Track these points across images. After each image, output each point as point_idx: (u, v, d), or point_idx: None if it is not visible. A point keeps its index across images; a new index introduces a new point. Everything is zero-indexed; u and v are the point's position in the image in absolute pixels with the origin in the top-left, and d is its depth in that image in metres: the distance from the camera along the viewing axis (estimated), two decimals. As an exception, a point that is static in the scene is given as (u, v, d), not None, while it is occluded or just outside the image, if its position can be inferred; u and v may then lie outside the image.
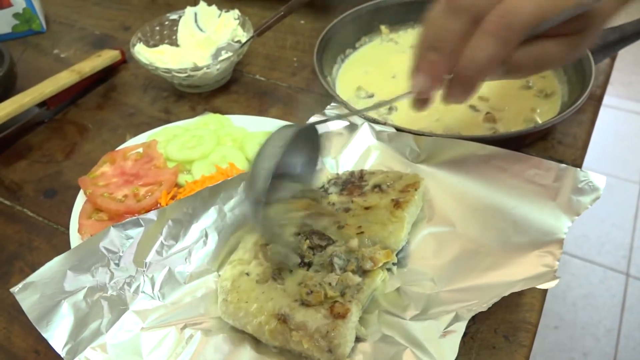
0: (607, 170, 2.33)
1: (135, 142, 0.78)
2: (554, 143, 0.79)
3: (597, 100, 0.86)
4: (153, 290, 0.57)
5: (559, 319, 1.84)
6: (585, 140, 0.80)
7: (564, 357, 1.75)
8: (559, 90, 0.85)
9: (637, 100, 2.68)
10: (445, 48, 0.48)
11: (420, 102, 0.56)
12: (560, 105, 0.82)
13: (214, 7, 0.98)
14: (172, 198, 0.68)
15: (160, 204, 0.67)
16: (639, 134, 2.51)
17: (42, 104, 0.89)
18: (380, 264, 0.58)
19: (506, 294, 0.50)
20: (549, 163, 0.60)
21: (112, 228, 0.56)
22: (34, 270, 0.54)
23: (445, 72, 0.50)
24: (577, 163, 0.76)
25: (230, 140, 0.77)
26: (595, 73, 0.79)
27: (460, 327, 0.49)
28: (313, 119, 0.74)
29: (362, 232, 0.61)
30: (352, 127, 0.74)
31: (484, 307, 0.50)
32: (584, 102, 0.74)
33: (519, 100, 0.83)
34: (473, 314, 0.50)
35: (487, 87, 0.81)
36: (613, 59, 0.97)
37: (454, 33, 0.47)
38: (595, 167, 2.35)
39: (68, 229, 0.68)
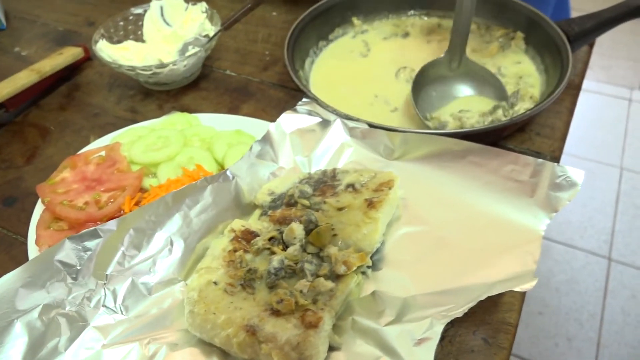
0: (587, 155, 2.34)
1: (98, 145, 0.74)
2: (532, 135, 0.77)
3: (575, 89, 0.84)
4: (115, 303, 0.54)
5: (543, 305, 1.84)
6: (563, 131, 0.78)
7: (549, 342, 1.76)
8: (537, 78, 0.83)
9: (617, 85, 2.69)
10: None
11: None
12: (539, 94, 0.80)
13: (180, 0, 0.94)
14: (137, 204, 0.65)
15: (123, 210, 0.64)
16: (619, 118, 2.52)
17: (1, 106, 0.85)
18: (355, 268, 0.55)
19: (483, 297, 0.48)
20: (526, 158, 0.59)
21: (67, 240, 0.53)
22: (-11, 284, 0.51)
23: None
24: (556, 155, 0.74)
25: (197, 141, 0.74)
26: (573, 61, 0.77)
27: (436, 334, 0.47)
28: (283, 115, 0.71)
29: (335, 234, 0.59)
30: (325, 124, 0.71)
31: (459, 313, 0.48)
32: (562, 91, 0.72)
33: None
34: (449, 319, 0.48)
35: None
36: (591, 46, 0.95)
37: None
38: (576, 152, 2.36)
39: (28, 238, 0.64)
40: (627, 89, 2.66)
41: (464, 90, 0.82)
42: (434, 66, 0.83)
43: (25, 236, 0.66)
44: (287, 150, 0.70)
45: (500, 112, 0.77)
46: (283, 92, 0.89)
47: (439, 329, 0.47)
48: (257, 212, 0.66)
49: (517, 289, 0.48)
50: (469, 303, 0.49)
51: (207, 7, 0.93)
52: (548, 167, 0.57)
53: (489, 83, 0.80)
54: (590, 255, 2.00)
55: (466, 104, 0.79)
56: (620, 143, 2.40)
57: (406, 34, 0.95)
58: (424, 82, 0.81)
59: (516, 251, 0.54)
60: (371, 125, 0.68)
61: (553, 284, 1.91)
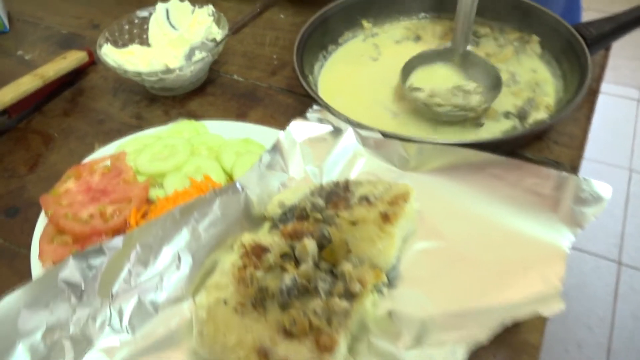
0: (595, 156, 2.30)
1: (103, 154, 0.72)
2: (549, 143, 0.75)
3: (593, 95, 0.82)
4: (121, 323, 0.52)
5: (551, 310, 1.82)
6: (582, 139, 0.75)
7: (559, 348, 1.73)
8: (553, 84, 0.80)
9: (625, 85, 2.66)
10: None
11: None
12: (555, 101, 0.77)
13: (186, 3, 0.92)
14: (143, 216, 0.63)
15: (129, 223, 0.62)
16: (627, 119, 2.49)
17: (3, 112, 0.83)
18: (370, 287, 0.53)
19: (508, 322, 0.46)
20: (548, 171, 0.56)
21: (71, 258, 0.51)
22: (-7, 299, 0.49)
23: None
24: (575, 164, 0.72)
25: (205, 149, 0.71)
26: (591, 66, 0.75)
27: (458, 360, 0.45)
28: (293, 123, 0.69)
29: (349, 250, 0.56)
30: (336, 132, 0.69)
31: (484, 340, 0.45)
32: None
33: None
34: (473, 347, 0.45)
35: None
36: (607, 50, 0.93)
37: None
38: (584, 154, 2.33)
39: (31, 252, 0.62)
40: (636, 90, 2.62)
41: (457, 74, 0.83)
42: (433, 53, 0.84)
43: (29, 248, 0.63)
44: (298, 159, 0.68)
45: (477, 98, 0.76)
46: (292, 97, 0.87)
47: (461, 355, 0.45)
48: (267, 224, 0.63)
49: (544, 313, 0.46)
50: (491, 327, 0.47)
51: (214, 10, 0.91)
52: (572, 180, 0.54)
53: (488, 74, 0.80)
54: (600, 259, 1.97)
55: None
56: (629, 144, 2.37)
57: (418, 38, 0.92)
58: (416, 64, 0.83)
59: (540, 270, 0.51)
60: (385, 135, 0.65)
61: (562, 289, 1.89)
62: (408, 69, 0.83)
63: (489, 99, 0.76)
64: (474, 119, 0.75)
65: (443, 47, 0.85)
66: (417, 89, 0.80)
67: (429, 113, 0.77)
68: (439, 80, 0.82)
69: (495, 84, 0.78)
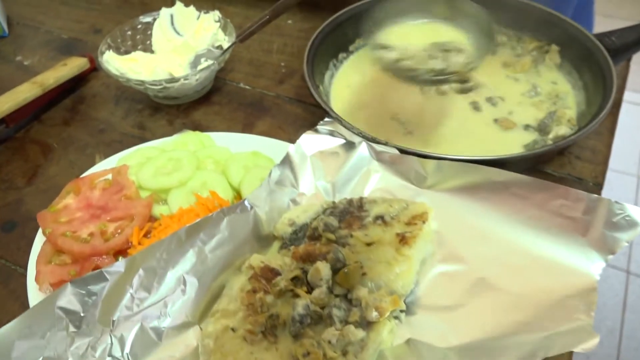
0: (605, 163, 2.27)
1: (104, 167, 0.69)
2: (571, 158, 0.71)
3: (615, 107, 0.79)
4: (122, 352, 0.49)
5: (560, 320, 1.78)
6: (605, 154, 0.72)
7: None
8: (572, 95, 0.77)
9: (635, 91, 2.62)
10: None
11: None
12: (577, 114, 0.74)
13: (192, 8, 0.89)
14: (146, 235, 0.60)
15: (131, 242, 0.58)
16: (637, 126, 2.45)
17: (1, 121, 0.80)
18: (387, 314, 0.50)
19: (539, 358, 0.43)
20: (577, 193, 0.53)
21: (69, 285, 0.47)
22: (-12, 322, 0.45)
23: None
24: (599, 181, 0.69)
25: (211, 163, 0.68)
26: (615, 79, 0.72)
27: (486, 400, 0.42)
28: (304, 136, 0.66)
29: (364, 274, 0.53)
30: (349, 146, 0.66)
31: (513, 377, 0.42)
32: (604, 112, 0.66)
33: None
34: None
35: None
36: (628, 60, 0.89)
37: None
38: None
39: (27, 271, 0.59)
40: (645, 96, 2.59)
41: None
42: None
43: (25, 267, 0.60)
44: (308, 174, 0.65)
45: (460, 58, 0.64)
46: (300, 107, 0.84)
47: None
48: (277, 244, 0.60)
49: (578, 349, 0.42)
50: (519, 361, 0.44)
51: (220, 15, 0.88)
52: (604, 203, 0.51)
53: (477, 25, 0.69)
54: (609, 268, 1.94)
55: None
56: (638, 152, 2.34)
57: (432, 45, 0.89)
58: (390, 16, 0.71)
59: (569, 300, 0.48)
60: (402, 151, 0.62)
61: (570, 298, 1.85)
62: (376, 19, 0.69)
63: (477, 58, 0.66)
64: (460, 81, 0.68)
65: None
66: (386, 47, 0.67)
67: (400, 77, 0.66)
68: (417, 38, 0.70)
69: (486, 38, 0.67)
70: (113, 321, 0.49)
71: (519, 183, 0.55)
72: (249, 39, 0.81)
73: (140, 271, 0.51)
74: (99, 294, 0.49)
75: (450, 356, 0.47)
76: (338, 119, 0.68)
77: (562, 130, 0.69)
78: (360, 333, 0.48)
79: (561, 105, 0.75)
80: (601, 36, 0.77)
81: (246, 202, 0.59)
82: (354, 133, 0.66)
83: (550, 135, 0.70)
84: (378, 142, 0.64)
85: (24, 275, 0.60)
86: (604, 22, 1.17)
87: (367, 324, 0.50)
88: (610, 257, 0.50)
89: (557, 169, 0.70)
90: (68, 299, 0.47)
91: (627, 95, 2.63)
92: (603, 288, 1.88)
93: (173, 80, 0.77)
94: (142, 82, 0.77)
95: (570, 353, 0.52)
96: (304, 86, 0.74)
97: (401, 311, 0.52)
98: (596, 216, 0.51)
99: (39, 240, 0.61)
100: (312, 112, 0.82)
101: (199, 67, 0.81)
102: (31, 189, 0.74)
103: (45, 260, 0.57)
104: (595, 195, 0.52)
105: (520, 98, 0.77)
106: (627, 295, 1.87)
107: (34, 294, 0.56)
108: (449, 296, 0.53)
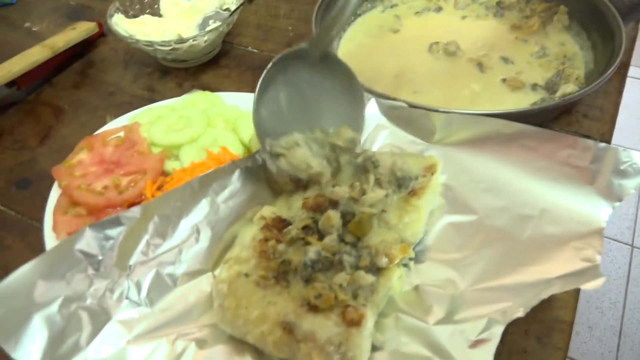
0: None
1: (115, 125, 0.70)
2: (579, 117, 0.72)
3: (623, 68, 0.79)
4: (139, 295, 0.50)
5: (563, 292, 1.80)
6: (613, 113, 0.72)
7: (569, 331, 1.72)
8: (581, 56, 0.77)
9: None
10: None
11: None
12: (585, 73, 0.74)
13: (199, -29, 0.89)
14: (159, 188, 0.61)
15: (145, 195, 0.60)
16: (641, 102, 2.44)
17: (12, 84, 0.80)
18: (397, 261, 0.51)
19: (545, 296, 0.44)
20: (585, 142, 0.53)
21: (88, 228, 0.49)
22: (6, 273, 0.47)
23: None
24: (606, 139, 0.69)
25: (221, 121, 0.69)
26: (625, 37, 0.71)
27: (495, 335, 0.43)
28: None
29: (374, 224, 0.54)
30: (358, 104, 0.66)
31: (520, 312, 0.43)
32: (611, 71, 0.67)
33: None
34: (509, 319, 0.43)
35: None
36: (637, 22, 0.89)
37: None
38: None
39: (44, 224, 0.60)
40: (652, 71, 2.57)
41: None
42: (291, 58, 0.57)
43: (41, 221, 0.61)
44: (317, 131, 0.65)
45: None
46: (308, 70, 0.84)
47: (498, 330, 0.43)
48: (285, 196, 0.61)
49: (584, 286, 0.43)
50: (526, 301, 0.45)
51: (228, -22, 0.87)
52: (611, 152, 0.52)
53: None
54: (613, 241, 1.95)
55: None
56: (642, 127, 2.33)
57: (439, 9, 0.89)
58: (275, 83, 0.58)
59: (576, 243, 0.49)
60: (411, 105, 0.63)
61: (573, 271, 1.87)
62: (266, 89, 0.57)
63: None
64: None
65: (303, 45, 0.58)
66: (278, 155, 0.57)
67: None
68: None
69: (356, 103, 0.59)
70: (129, 266, 0.51)
71: (527, 134, 0.56)
72: (255, 3, 0.81)
73: (155, 218, 0.52)
74: (115, 238, 0.50)
75: (459, 299, 0.49)
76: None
77: (569, 88, 0.69)
78: (370, 278, 0.49)
79: (569, 65, 0.75)
80: (611, -4, 0.77)
81: (257, 156, 0.59)
82: (363, 90, 0.66)
83: (558, 94, 0.70)
84: (387, 98, 0.65)
85: (40, 229, 0.61)
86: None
87: (377, 270, 0.51)
88: (617, 204, 0.51)
89: (564, 127, 0.70)
90: (87, 242, 0.49)
91: (633, 71, 2.61)
92: (606, 261, 1.89)
93: (182, 41, 0.77)
94: (151, 43, 0.77)
95: (575, 300, 0.53)
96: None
97: (410, 259, 0.54)
98: (603, 165, 0.52)
99: (54, 196, 0.63)
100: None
101: (207, 29, 0.81)
102: (44, 148, 0.75)
103: (61, 211, 0.59)
104: (603, 144, 0.52)
105: (528, 58, 0.77)
106: (630, 269, 1.88)
107: (52, 245, 0.58)
108: (457, 245, 0.54)
